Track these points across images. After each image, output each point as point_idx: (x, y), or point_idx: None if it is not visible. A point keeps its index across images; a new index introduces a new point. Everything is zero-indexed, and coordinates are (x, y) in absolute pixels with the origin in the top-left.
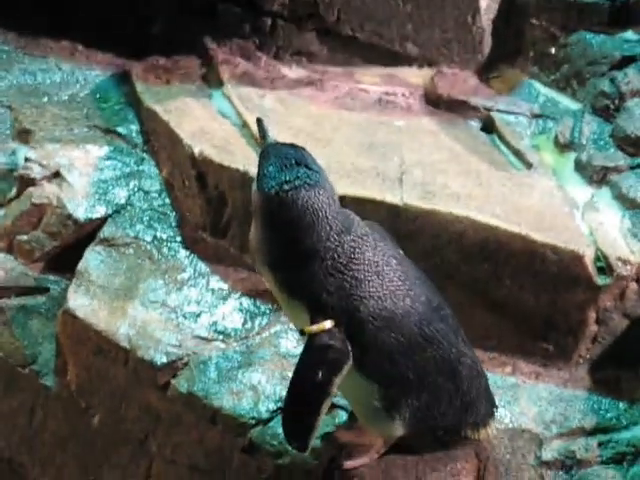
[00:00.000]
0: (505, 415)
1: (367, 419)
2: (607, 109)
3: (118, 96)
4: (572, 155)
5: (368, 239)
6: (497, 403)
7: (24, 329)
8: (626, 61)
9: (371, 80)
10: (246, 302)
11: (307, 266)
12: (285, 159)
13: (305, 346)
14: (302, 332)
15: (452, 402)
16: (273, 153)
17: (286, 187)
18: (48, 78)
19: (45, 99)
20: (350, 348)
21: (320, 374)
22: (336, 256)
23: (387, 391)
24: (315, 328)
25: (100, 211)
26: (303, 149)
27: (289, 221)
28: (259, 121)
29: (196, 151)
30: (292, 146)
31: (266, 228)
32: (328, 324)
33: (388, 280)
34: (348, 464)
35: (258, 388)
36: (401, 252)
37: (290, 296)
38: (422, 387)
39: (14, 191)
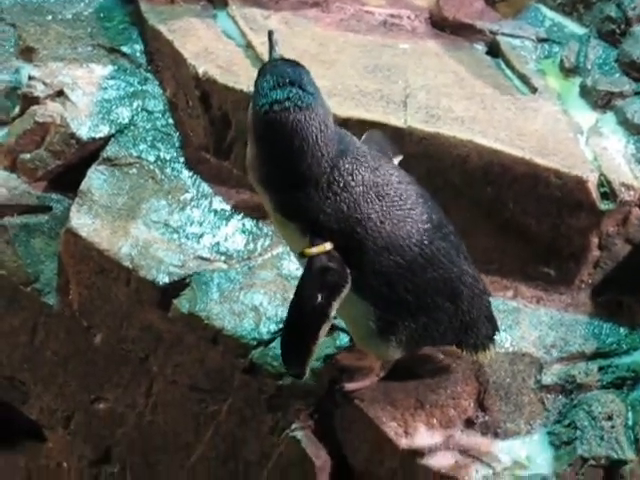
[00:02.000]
0: (506, 339)
1: (362, 340)
2: (613, 34)
3: (122, 15)
4: (577, 80)
5: (366, 160)
6: (499, 326)
7: (27, 247)
8: None
9: (376, 2)
10: (249, 223)
11: (302, 188)
12: (280, 77)
13: (305, 269)
14: (302, 254)
15: (452, 323)
16: (270, 70)
17: (276, 107)
18: None
19: (49, 17)
20: (349, 270)
21: (319, 297)
22: (332, 179)
23: (383, 313)
24: (315, 250)
25: (103, 130)
26: (302, 68)
27: (278, 143)
28: (270, 34)
29: (200, 71)
30: (291, 64)
31: (258, 146)
32: (328, 246)
33: (387, 201)
34: (349, 386)
35: (260, 309)
36: (397, 167)
37: (286, 217)
38: (420, 309)
39: (17, 109)
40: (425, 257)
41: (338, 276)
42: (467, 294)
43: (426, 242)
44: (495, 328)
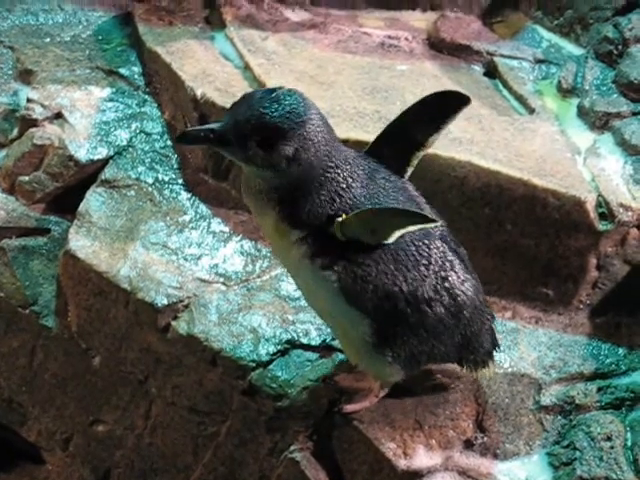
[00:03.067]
0: (504, 360)
1: (359, 358)
2: (610, 55)
3: (120, 37)
4: (575, 100)
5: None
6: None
7: (25, 270)
8: (630, 7)
9: (374, 24)
10: (247, 245)
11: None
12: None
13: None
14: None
15: (453, 337)
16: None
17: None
18: (50, 19)
19: (47, 40)
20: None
21: None
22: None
23: (380, 326)
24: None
25: (102, 153)
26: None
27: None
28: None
29: (198, 93)
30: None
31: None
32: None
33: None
34: (348, 408)
35: (258, 331)
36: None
37: (290, 226)
38: (419, 319)
39: (16, 132)
40: (421, 254)
41: None
42: (469, 304)
43: (423, 239)
44: (495, 344)
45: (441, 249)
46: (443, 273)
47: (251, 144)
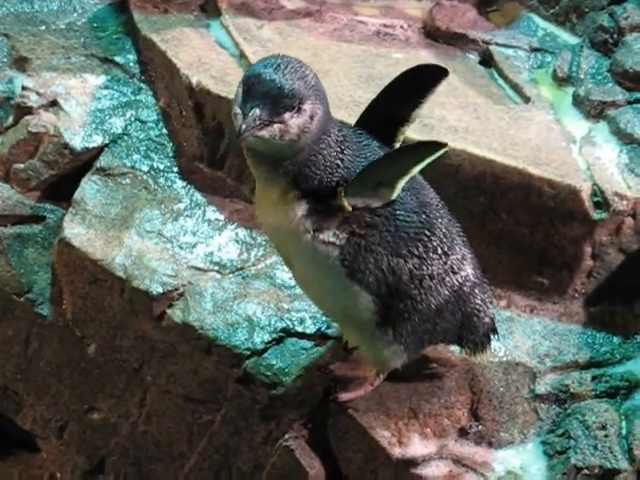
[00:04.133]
0: (499, 348)
1: (362, 341)
2: (606, 43)
3: (116, 25)
4: (570, 89)
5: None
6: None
7: (20, 257)
8: None
9: (369, 12)
10: (242, 233)
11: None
12: None
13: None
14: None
15: (454, 315)
16: None
17: None
18: (45, 6)
19: (42, 27)
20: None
21: None
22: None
23: (383, 302)
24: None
25: (97, 140)
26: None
27: None
28: None
29: (194, 81)
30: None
31: None
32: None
33: None
34: (343, 397)
35: (253, 319)
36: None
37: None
38: (422, 295)
39: (11, 119)
40: (425, 224)
41: None
42: (470, 280)
43: (425, 209)
44: (493, 324)
45: (440, 220)
46: (445, 247)
47: (282, 112)
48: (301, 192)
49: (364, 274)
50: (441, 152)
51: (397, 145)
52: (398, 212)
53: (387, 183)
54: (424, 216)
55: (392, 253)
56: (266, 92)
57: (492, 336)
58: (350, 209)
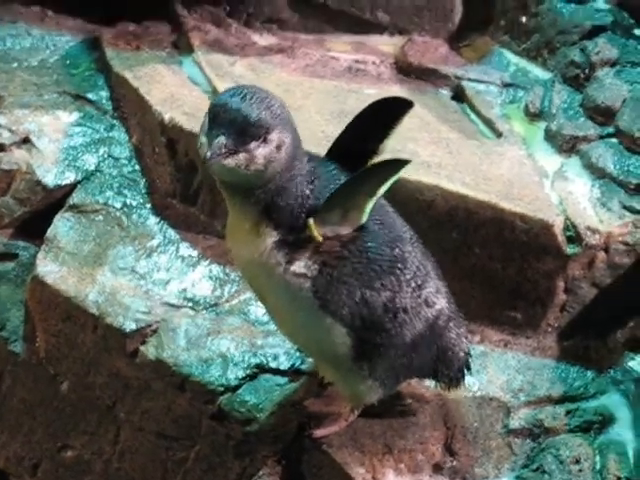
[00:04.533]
0: (473, 383)
1: (337, 377)
2: (577, 78)
3: (88, 62)
4: (542, 124)
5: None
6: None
7: None
8: (597, 31)
9: (342, 48)
10: (216, 269)
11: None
12: None
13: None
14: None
15: (429, 349)
16: None
17: None
18: (18, 44)
19: (15, 64)
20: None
21: None
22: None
23: (359, 337)
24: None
25: (70, 177)
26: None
27: None
28: None
29: (166, 118)
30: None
31: None
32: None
33: None
34: (318, 433)
35: (227, 355)
36: None
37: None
38: (397, 328)
39: None
40: (398, 258)
41: None
42: (444, 314)
43: (398, 243)
44: (468, 358)
45: (413, 254)
46: (419, 280)
47: (248, 142)
48: (273, 223)
49: (337, 306)
50: (403, 169)
51: None
52: (370, 245)
53: (355, 207)
54: (397, 250)
55: (365, 285)
56: (232, 120)
57: (466, 371)
58: (320, 239)
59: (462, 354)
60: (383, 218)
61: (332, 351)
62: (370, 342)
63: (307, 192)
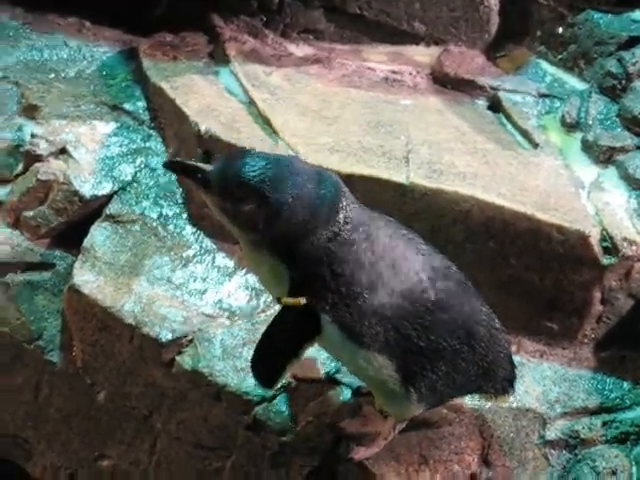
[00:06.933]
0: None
1: (386, 399)
2: (614, 89)
3: (125, 73)
4: (579, 135)
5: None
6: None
7: (30, 305)
8: (633, 41)
9: (378, 58)
10: (251, 279)
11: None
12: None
13: (279, 311)
14: (279, 300)
15: (470, 369)
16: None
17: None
18: (55, 54)
19: (52, 75)
20: (326, 319)
21: (287, 343)
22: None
23: (401, 363)
24: (291, 301)
25: (106, 188)
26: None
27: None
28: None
29: (202, 128)
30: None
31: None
32: (302, 301)
33: (379, 247)
34: (359, 455)
35: None
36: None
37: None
38: (436, 355)
39: (20, 167)
40: (429, 298)
41: (307, 328)
42: (483, 333)
43: (427, 283)
44: (513, 368)
45: (447, 285)
46: (451, 307)
47: (227, 196)
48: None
49: (374, 338)
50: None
51: None
52: (395, 296)
53: None
54: (428, 290)
55: (396, 320)
56: (227, 167)
57: (513, 382)
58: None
59: (506, 363)
60: (409, 252)
61: (378, 375)
62: (412, 367)
63: None
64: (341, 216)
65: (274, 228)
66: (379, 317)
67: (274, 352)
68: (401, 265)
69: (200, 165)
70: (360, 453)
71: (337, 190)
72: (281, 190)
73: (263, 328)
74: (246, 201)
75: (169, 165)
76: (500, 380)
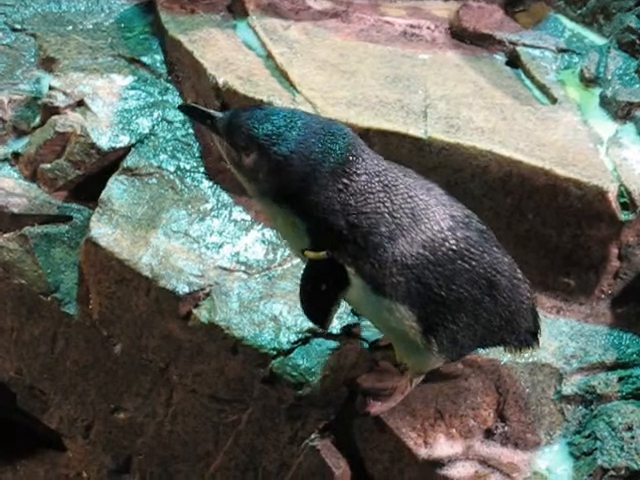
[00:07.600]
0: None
1: (406, 350)
2: (633, 45)
3: (143, 25)
4: (597, 90)
5: (373, 161)
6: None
7: (47, 257)
8: None
9: (396, 12)
10: (268, 233)
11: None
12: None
13: (307, 264)
14: (302, 252)
15: (492, 320)
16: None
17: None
18: (73, 7)
19: (70, 27)
20: (350, 272)
21: (321, 294)
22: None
23: (422, 313)
24: (312, 255)
25: (124, 140)
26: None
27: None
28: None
29: (220, 82)
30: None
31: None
32: (322, 254)
33: (398, 195)
34: (375, 409)
35: (279, 319)
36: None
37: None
38: (458, 305)
39: (38, 119)
40: (450, 247)
41: (338, 278)
42: (505, 284)
43: (448, 232)
44: (537, 320)
45: (468, 235)
46: (473, 257)
47: (232, 145)
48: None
49: (395, 287)
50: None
51: None
52: (416, 245)
53: None
54: (449, 238)
55: (418, 269)
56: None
57: (537, 334)
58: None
59: (528, 315)
60: (429, 201)
61: (399, 325)
62: (432, 317)
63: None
64: (352, 168)
65: (275, 180)
66: (400, 266)
67: (313, 301)
68: (421, 214)
69: (211, 112)
70: (376, 407)
71: (346, 143)
72: (281, 143)
73: (280, 282)
74: (248, 151)
75: (183, 108)
76: (523, 332)
